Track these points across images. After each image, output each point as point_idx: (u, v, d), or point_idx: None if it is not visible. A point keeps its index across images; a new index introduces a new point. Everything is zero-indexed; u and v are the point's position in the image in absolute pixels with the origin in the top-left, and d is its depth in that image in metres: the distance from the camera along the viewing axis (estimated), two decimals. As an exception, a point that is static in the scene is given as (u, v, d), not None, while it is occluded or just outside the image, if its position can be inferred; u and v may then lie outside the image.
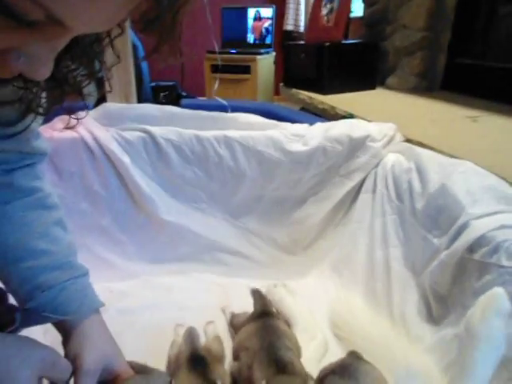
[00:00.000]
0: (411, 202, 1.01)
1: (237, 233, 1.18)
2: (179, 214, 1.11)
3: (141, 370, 0.67)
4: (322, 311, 1.07)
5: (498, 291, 0.61)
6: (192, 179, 1.11)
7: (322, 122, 1.23)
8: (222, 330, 0.97)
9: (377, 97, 1.99)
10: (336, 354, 0.84)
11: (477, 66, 1.77)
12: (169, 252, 1.14)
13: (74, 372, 0.54)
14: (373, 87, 2.10)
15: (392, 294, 1.00)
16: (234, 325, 0.95)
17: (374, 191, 1.13)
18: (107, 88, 0.90)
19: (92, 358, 0.56)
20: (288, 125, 1.19)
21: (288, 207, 1.18)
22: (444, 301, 0.88)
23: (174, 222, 1.10)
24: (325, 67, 1.92)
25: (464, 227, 0.85)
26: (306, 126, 1.18)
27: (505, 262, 0.74)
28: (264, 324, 0.87)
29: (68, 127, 0.72)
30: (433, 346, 0.84)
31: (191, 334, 0.89)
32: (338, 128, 1.15)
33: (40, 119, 0.61)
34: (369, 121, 1.23)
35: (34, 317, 0.60)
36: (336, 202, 1.17)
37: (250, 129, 1.14)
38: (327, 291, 1.15)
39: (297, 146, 1.11)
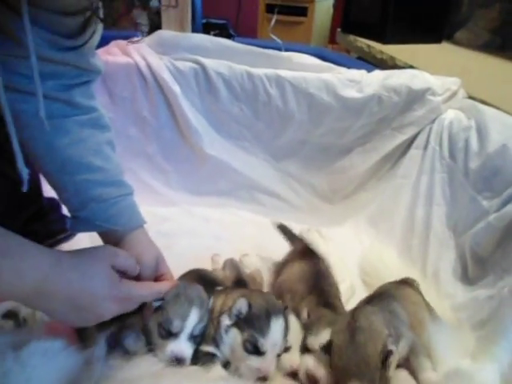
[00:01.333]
0: (465, 161, 0.96)
1: (276, 175, 1.18)
2: (222, 149, 1.12)
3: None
4: (353, 259, 1.08)
5: None
6: (239, 116, 1.10)
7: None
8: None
9: (442, 51, 1.84)
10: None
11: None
12: (209, 185, 1.17)
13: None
14: (439, 40, 1.93)
15: (428, 252, 0.98)
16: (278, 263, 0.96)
17: (425, 147, 1.08)
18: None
19: (149, 256, 0.65)
20: (344, 69, 1.14)
21: (332, 155, 1.16)
22: (483, 263, 0.86)
23: (217, 156, 1.12)
24: (389, 13, 1.78)
25: (519, 192, 0.81)
26: (363, 72, 1.12)
27: (558, 232, 0.70)
28: (309, 267, 0.87)
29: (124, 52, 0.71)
30: (464, 304, 0.84)
31: (235, 263, 0.93)
32: (398, 77, 1.08)
33: (98, 36, 0.62)
34: (431, 74, 1.15)
35: (85, 225, 0.66)
36: (383, 155, 1.13)
37: (304, 70, 1.10)
38: (361, 242, 1.15)
39: (351, 92, 1.07)
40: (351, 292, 0.95)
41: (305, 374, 0.64)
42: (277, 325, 0.64)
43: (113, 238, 0.66)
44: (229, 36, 1.92)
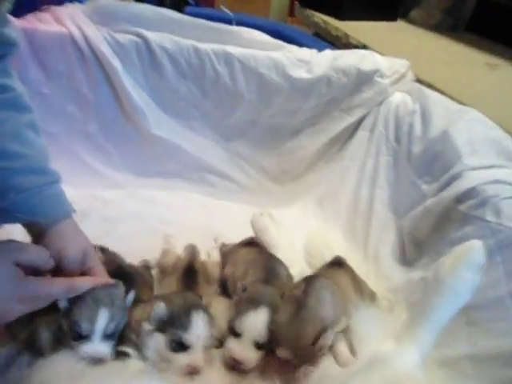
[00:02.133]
0: (408, 145, 0.98)
1: (226, 156, 1.15)
2: (169, 129, 1.08)
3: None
4: (302, 242, 1.10)
5: (475, 243, 0.61)
6: (186, 94, 1.06)
7: (332, 50, 1.14)
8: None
9: (396, 30, 1.85)
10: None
11: (510, 8, 1.62)
12: (156, 166, 1.13)
13: (61, 261, 0.59)
14: (394, 18, 1.94)
15: (370, 233, 1.02)
16: (224, 252, 0.95)
17: (372, 130, 1.09)
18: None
19: (74, 249, 0.61)
20: (294, 48, 1.11)
21: (282, 136, 1.15)
22: (419, 245, 0.90)
23: (164, 137, 1.07)
24: (345, -11, 1.76)
25: (456, 177, 0.83)
26: (313, 51, 1.10)
27: (489, 217, 0.74)
28: (260, 249, 0.90)
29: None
30: (400, 286, 0.87)
31: (193, 249, 0.91)
32: (347, 58, 1.07)
33: (9, 3, 0.55)
34: (382, 54, 1.15)
35: (4, 216, 0.60)
36: (331, 137, 1.13)
37: (254, 47, 1.06)
38: (309, 223, 1.16)
39: (300, 73, 1.04)
40: (300, 277, 0.96)
41: (230, 358, 0.65)
42: (198, 318, 0.64)
43: (36, 230, 0.62)
44: (185, 2, 1.82)
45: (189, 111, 1.09)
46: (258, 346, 0.65)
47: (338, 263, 0.84)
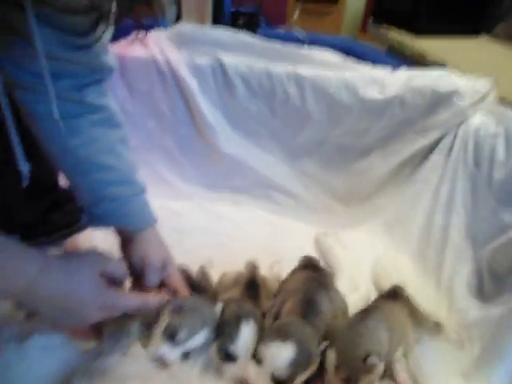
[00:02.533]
0: (490, 171, 0.92)
1: (293, 174, 1.16)
2: (238, 146, 1.11)
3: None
4: (368, 265, 1.06)
5: None
6: (256, 114, 1.09)
7: (407, 68, 1.11)
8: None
9: (478, 46, 1.74)
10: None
11: None
12: (224, 181, 1.17)
13: (144, 269, 0.65)
14: (476, 34, 1.83)
15: (444, 263, 0.95)
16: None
17: (449, 153, 1.03)
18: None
19: (156, 257, 0.67)
20: (367, 68, 1.09)
21: (351, 156, 1.13)
22: (500, 280, 0.82)
23: (233, 154, 1.11)
24: (423, 2, 1.70)
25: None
26: (387, 71, 1.07)
27: None
28: (313, 274, 0.84)
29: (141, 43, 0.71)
30: (475, 322, 0.81)
31: (254, 264, 0.93)
32: (423, 78, 1.03)
33: (110, 33, 0.61)
34: (462, 73, 1.09)
35: (98, 222, 0.68)
36: (403, 159, 1.09)
37: (325, 68, 1.06)
38: (376, 248, 1.12)
39: (372, 93, 1.03)
40: (366, 300, 0.93)
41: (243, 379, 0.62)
42: (247, 329, 0.64)
43: (124, 236, 0.68)
44: (257, 24, 1.89)
45: (258, 130, 1.12)
46: (276, 380, 0.61)
47: (394, 295, 0.79)
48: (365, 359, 0.61)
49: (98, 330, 0.66)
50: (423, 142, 1.05)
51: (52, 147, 0.64)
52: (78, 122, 0.63)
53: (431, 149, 1.06)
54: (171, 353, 0.61)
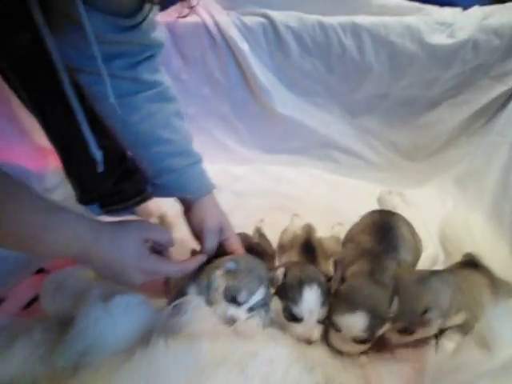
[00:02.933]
0: None
1: (353, 132, 1.11)
2: (294, 107, 1.08)
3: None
4: (436, 224, 1.01)
5: None
6: (311, 72, 1.04)
7: (482, 4, 0.97)
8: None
9: None
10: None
11: None
12: (281, 143, 1.16)
13: (202, 232, 0.70)
14: None
15: (522, 222, 0.88)
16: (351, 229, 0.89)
17: (531, 99, 0.92)
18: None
19: (213, 222, 0.72)
20: (435, 9, 0.97)
21: (416, 109, 1.05)
22: None
23: (289, 115, 1.09)
24: None
25: None
26: (457, 10, 0.95)
27: None
28: (382, 220, 0.82)
29: (184, 15, 0.71)
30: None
31: (310, 227, 0.94)
32: (501, 15, 0.89)
33: (156, 10, 0.61)
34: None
35: (160, 191, 0.73)
36: (477, 109, 0.99)
37: (385, 14, 0.97)
38: (445, 205, 1.06)
39: (440, 38, 0.92)
40: (433, 261, 0.90)
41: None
42: (310, 293, 0.66)
43: (185, 203, 0.74)
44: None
45: (314, 88, 1.07)
46: (358, 341, 0.64)
47: (473, 264, 0.76)
48: (423, 313, 0.62)
49: (167, 289, 0.74)
50: (500, 88, 0.95)
51: (114, 124, 0.68)
52: (135, 99, 0.66)
53: (510, 96, 0.95)
54: (238, 313, 0.66)
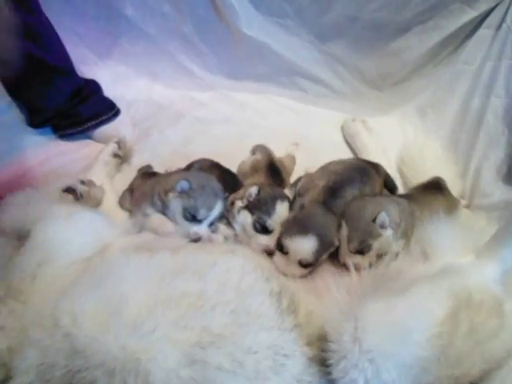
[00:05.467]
0: (542, 47, 0.81)
1: (321, 58, 1.07)
2: (261, 29, 1.02)
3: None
4: (396, 152, 1.04)
5: None
6: (280, -13, 0.97)
7: None
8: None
9: None
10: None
11: None
12: (247, 69, 1.11)
13: None
14: None
15: (475, 148, 0.92)
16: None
17: (498, 27, 0.91)
18: None
19: None
20: None
21: (386, 35, 1.02)
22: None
23: (255, 37, 1.03)
24: None
25: None
26: None
27: None
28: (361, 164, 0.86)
29: None
30: (498, 204, 0.81)
31: (267, 149, 0.95)
32: None
33: None
34: None
35: None
36: (446, 35, 0.97)
37: None
38: (406, 133, 1.09)
39: (413, -46, 0.88)
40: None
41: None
42: (282, 207, 0.71)
43: None
44: None
45: (283, 8, 1.01)
46: (303, 264, 0.68)
47: (436, 186, 0.79)
48: (374, 220, 0.66)
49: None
50: (471, 13, 0.93)
51: None
52: None
53: (479, 22, 0.94)
54: (200, 229, 0.68)
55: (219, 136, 1.03)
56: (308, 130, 1.08)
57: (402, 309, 0.48)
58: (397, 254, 0.66)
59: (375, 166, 0.88)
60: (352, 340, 0.46)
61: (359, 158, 0.95)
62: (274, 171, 0.86)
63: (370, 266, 0.64)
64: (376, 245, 0.67)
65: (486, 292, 0.53)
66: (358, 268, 0.65)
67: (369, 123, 1.07)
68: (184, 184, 0.69)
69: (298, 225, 0.68)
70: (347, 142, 1.07)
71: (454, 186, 0.89)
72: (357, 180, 0.80)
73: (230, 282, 0.52)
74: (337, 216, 0.72)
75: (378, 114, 1.12)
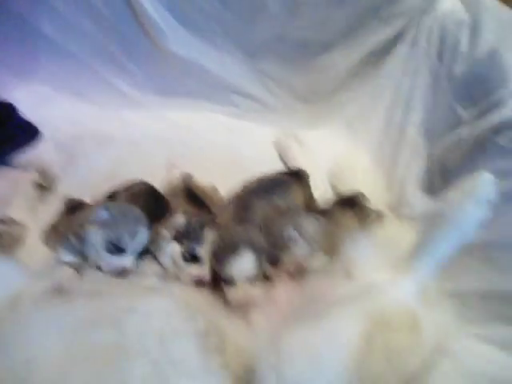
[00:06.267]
0: (451, 64, 0.87)
1: (252, 75, 1.08)
2: (190, 47, 1.01)
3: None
4: (328, 165, 1.08)
5: (485, 176, 0.57)
6: (204, 6, 0.96)
7: None
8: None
9: None
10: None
11: None
12: (178, 86, 1.09)
13: None
14: None
15: (398, 160, 0.97)
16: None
17: (413, 44, 0.97)
18: None
19: None
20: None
21: (311, 52, 1.05)
22: (448, 176, 0.85)
23: (185, 55, 1.01)
24: None
25: (498, 104, 0.75)
26: None
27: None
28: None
29: None
30: (421, 215, 0.86)
31: (188, 175, 0.93)
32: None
33: None
34: None
35: None
36: (367, 52, 1.02)
37: None
38: (336, 146, 1.13)
39: (331, -24, 0.91)
40: (323, 200, 0.96)
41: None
42: (209, 234, 0.70)
43: None
44: None
45: (209, 25, 1.00)
46: (252, 281, 0.68)
47: (349, 203, 0.82)
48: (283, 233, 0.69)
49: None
50: (388, 31, 0.98)
51: None
52: None
53: (396, 40, 0.99)
54: (125, 260, 0.66)
55: (149, 157, 1.01)
56: (242, 147, 1.08)
57: (319, 338, 0.49)
58: (321, 271, 0.68)
59: (299, 178, 0.89)
60: (273, 371, 0.47)
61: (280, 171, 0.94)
62: (192, 197, 0.85)
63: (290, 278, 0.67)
64: (286, 257, 0.69)
65: (401, 309, 0.55)
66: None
67: (300, 137, 1.10)
68: (103, 213, 0.66)
69: (224, 250, 0.68)
70: (281, 157, 1.09)
71: (382, 197, 0.94)
72: (267, 192, 0.81)
73: (151, 328, 0.50)
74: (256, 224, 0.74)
75: (309, 127, 1.15)
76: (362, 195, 0.84)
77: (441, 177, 0.86)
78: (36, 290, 0.56)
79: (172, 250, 0.70)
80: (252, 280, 0.67)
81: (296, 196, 0.84)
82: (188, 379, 0.47)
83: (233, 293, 0.66)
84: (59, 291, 0.57)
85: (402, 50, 0.99)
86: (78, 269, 0.67)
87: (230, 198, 0.82)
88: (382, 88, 1.04)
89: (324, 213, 0.78)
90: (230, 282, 0.67)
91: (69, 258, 0.67)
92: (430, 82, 0.93)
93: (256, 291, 0.67)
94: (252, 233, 0.71)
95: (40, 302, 0.52)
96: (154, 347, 0.48)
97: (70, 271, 0.65)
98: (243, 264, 0.66)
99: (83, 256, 0.67)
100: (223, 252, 0.68)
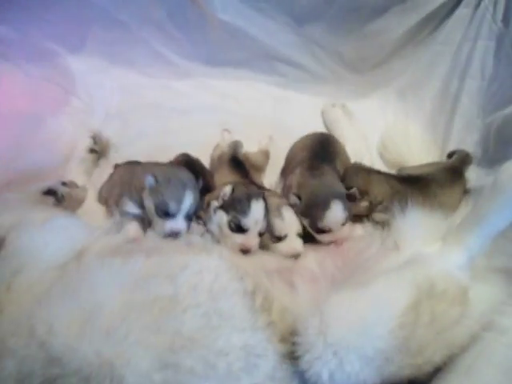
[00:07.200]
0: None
1: (298, 41, 1.05)
2: (236, 13, 0.99)
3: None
4: (376, 136, 1.05)
5: None
6: (253, -30, 0.94)
7: None
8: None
9: None
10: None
11: None
12: (224, 55, 1.09)
13: None
14: None
15: (452, 131, 0.92)
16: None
17: (476, 6, 0.90)
18: None
19: None
20: None
21: (364, 16, 0.99)
22: (504, 148, 0.79)
23: (230, 22, 1.00)
24: None
25: None
26: None
27: None
28: (317, 137, 0.93)
29: None
30: (474, 189, 0.82)
31: (237, 143, 0.95)
32: None
33: None
34: None
35: None
36: (424, 16, 0.95)
37: None
38: (386, 117, 1.08)
39: None
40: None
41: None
42: (257, 206, 0.72)
43: None
44: None
45: (256, -10, 0.98)
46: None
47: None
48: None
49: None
50: (449, -8, 0.91)
51: None
52: None
53: (457, 1, 0.92)
54: (176, 224, 0.69)
55: (198, 126, 1.02)
56: (288, 117, 1.07)
57: (365, 302, 0.50)
58: (384, 224, 0.70)
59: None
60: (317, 333, 0.48)
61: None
62: (237, 165, 0.87)
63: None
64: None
65: (449, 280, 0.54)
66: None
67: (349, 107, 1.07)
68: (150, 179, 0.70)
69: (316, 204, 0.73)
70: (328, 129, 1.07)
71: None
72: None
73: (202, 284, 0.53)
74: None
75: (358, 97, 1.11)
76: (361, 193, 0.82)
77: (496, 148, 0.81)
78: (100, 245, 0.61)
79: (219, 218, 0.72)
80: (345, 222, 0.74)
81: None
82: (236, 333, 0.50)
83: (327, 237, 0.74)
84: (126, 243, 0.61)
85: (463, 12, 0.92)
86: (141, 222, 0.72)
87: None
88: (438, 55, 0.98)
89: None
90: (328, 231, 0.73)
91: (133, 209, 0.72)
92: (492, 47, 0.86)
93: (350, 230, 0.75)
94: (331, 182, 0.77)
95: (104, 255, 0.56)
96: (204, 302, 0.52)
97: (135, 224, 0.70)
98: (337, 214, 0.72)
99: (144, 210, 0.72)
100: (315, 209, 0.74)
